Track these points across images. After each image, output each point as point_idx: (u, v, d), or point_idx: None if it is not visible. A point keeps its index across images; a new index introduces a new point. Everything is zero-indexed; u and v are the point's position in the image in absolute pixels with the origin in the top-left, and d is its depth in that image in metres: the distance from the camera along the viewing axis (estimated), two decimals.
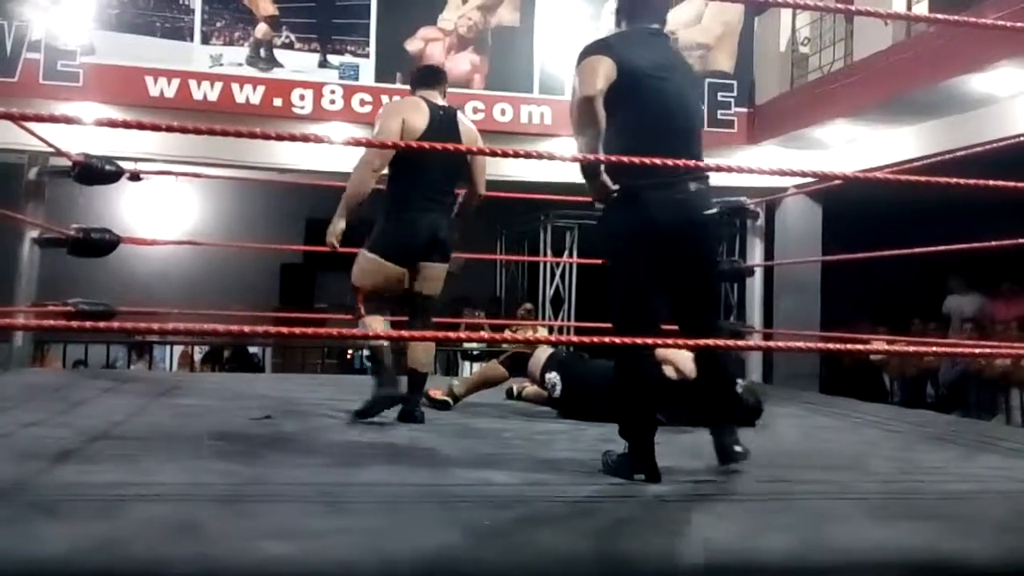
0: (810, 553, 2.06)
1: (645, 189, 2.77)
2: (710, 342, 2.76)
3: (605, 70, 2.75)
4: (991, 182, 2.82)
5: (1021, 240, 4.10)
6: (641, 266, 2.82)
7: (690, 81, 3.01)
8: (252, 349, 10.35)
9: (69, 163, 5.22)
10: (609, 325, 2.90)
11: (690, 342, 2.90)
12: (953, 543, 2.11)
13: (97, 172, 5.22)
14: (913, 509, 2.51)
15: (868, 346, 6.52)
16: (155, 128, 2.23)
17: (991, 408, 7.58)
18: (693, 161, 2.74)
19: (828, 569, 1.97)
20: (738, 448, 2.85)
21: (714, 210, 2.92)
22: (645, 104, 2.79)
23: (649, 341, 2.77)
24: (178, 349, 10.00)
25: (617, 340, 2.93)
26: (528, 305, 10.05)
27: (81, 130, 6.09)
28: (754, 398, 4.04)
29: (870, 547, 2.10)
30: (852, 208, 7.72)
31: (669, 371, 3.88)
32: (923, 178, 2.93)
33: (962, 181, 2.82)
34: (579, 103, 2.76)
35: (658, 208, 2.76)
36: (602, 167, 2.75)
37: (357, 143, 2.87)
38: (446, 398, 4.32)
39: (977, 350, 5.25)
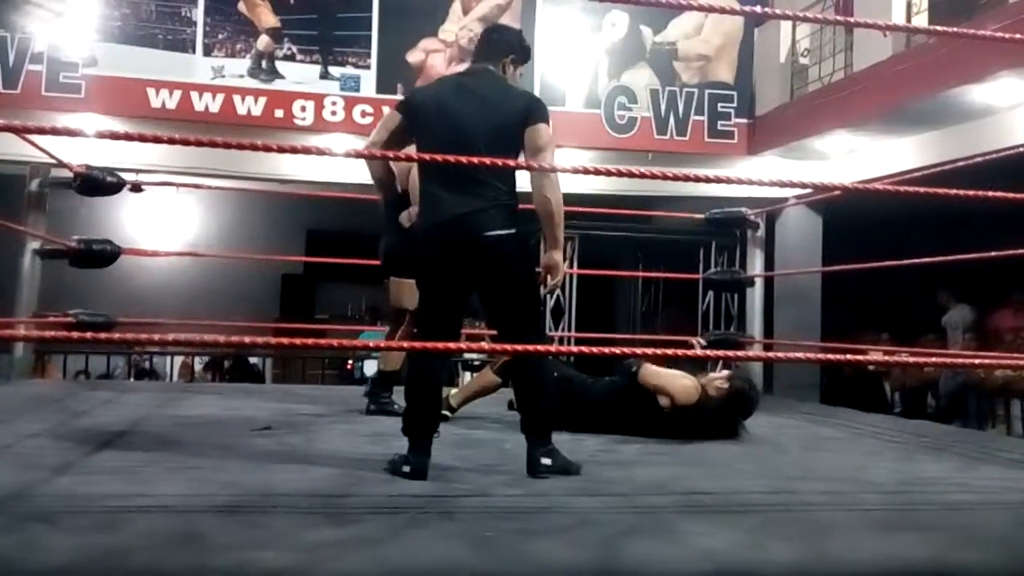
0: (813, 565, 2.06)
1: (422, 213, 3.11)
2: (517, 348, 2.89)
3: (388, 123, 3.15)
4: (991, 193, 2.83)
5: (1020, 251, 4.10)
6: (426, 283, 3.11)
7: (492, 110, 3.03)
8: (252, 359, 10.34)
9: (71, 174, 5.24)
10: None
11: (509, 348, 3.01)
12: (955, 554, 2.11)
13: (98, 183, 5.24)
14: (915, 521, 2.51)
15: (868, 356, 6.52)
16: (156, 140, 2.24)
17: (991, 418, 7.57)
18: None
19: None
20: (545, 461, 2.94)
21: (500, 231, 2.96)
22: (429, 138, 3.02)
23: (499, 347, 3.06)
24: (179, 359, 9.99)
25: (594, 350, 2.96)
26: None
27: (83, 141, 6.11)
28: (753, 391, 4.09)
29: (872, 559, 2.10)
30: (852, 218, 7.72)
31: (664, 401, 3.87)
32: (923, 188, 2.93)
33: (962, 192, 2.83)
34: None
35: (429, 229, 3.04)
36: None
37: (358, 155, 2.88)
38: (444, 411, 4.32)
39: (977, 360, 5.25)
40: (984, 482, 3.18)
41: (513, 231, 2.99)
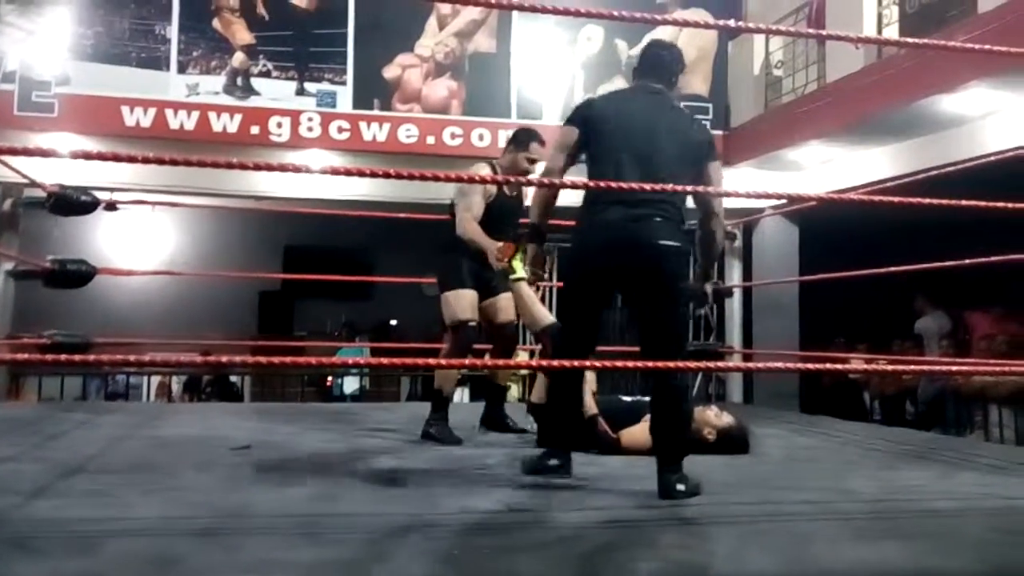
0: (795, 574, 2.06)
1: (591, 214, 3.03)
2: (666, 364, 2.83)
3: (566, 140, 3.13)
4: (963, 202, 2.86)
5: (993, 258, 4.15)
6: (576, 289, 3.07)
7: (677, 133, 3.08)
8: (232, 378, 10.27)
9: (44, 194, 5.19)
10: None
11: (640, 365, 2.99)
12: (937, 561, 2.12)
13: (72, 203, 5.18)
14: (896, 528, 2.52)
15: (847, 365, 6.55)
16: (131, 160, 2.23)
17: (969, 424, 7.62)
18: (651, 185, 2.85)
19: None
20: (680, 487, 2.85)
21: (673, 243, 2.95)
22: (614, 152, 3.01)
23: (598, 364, 3.03)
24: (156, 379, 9.91)
25: (597, 364, 2.98)
26: None
27: (57, 160, 6.05)
28: (746, 441, 3.97)
29: (853, 568, 2.10)
30: (828, 228, 7.78)
31: (709, 434, 3.84)
32: (896, 198, 2.95)
33: (934, 201, 2.85)
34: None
35: (599, 230, 2.98)
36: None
37: (335, 172, 2.87)
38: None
39: (954, 368, 5.29)
40: (963, 488, 3.20)
41: (681, 245, 2.99)
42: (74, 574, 1.88)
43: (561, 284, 3.27)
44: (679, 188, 2.91)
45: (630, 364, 3.22)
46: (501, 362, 4.30)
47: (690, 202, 3.11)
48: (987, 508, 2.86)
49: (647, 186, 2.78)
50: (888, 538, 2.37)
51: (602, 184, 2.86)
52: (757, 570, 2.08)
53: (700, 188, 3.00)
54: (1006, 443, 6.75)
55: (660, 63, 3.20)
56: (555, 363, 3.01)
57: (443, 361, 3.95)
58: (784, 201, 6.61)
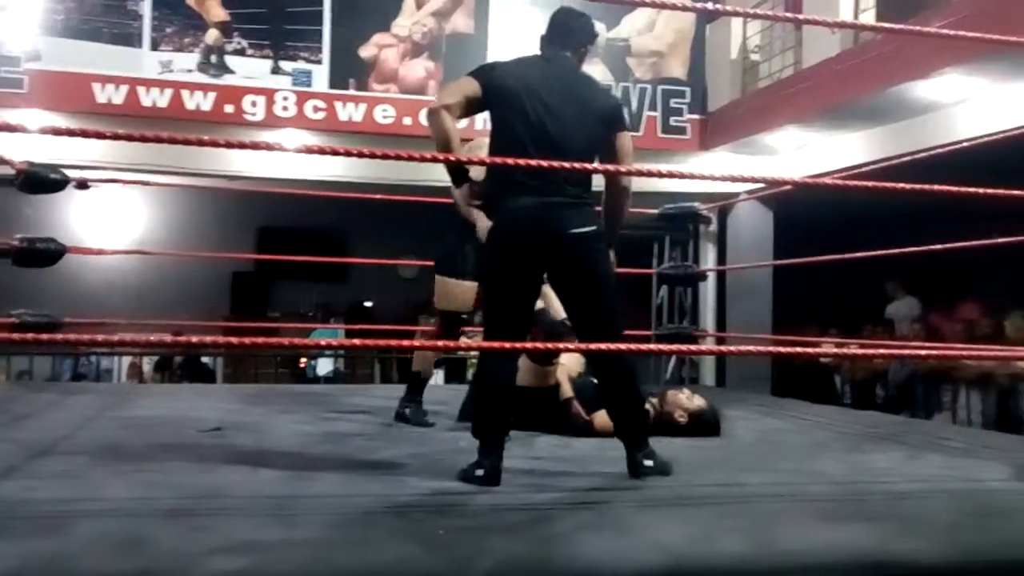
0: (763, 555, 2.08)
1: (503, 198, 2.92)
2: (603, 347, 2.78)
3: (465, 88, 2.96)
4: (936, 187, 2.88)
5: (964, 243, 4.19)
6: (499, 275, 2.96)
7: (583, 103, 2.99)
8: (204, 359, 10.21)
9: (12, 171, 5.10)
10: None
11: (592, 347, 2.91)
12: (903, 543, 2.15)
13: (42, 180, 5.10)
14: (862, 510, 2.55)
15: (819, 349, 6.61)
16: (99, 136, 2.19)
17: (938, 406, 7.73)
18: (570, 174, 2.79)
19: (780, 570, 1.99)
20: (647, 463, 2.88)
21: (588, 228, 2.91)
22: (514, 122, 2.91)
23: (573, 347, 2.88)
24: (127, 360, 9.83)
25: (572, 346, 2.97)
26: None
27: (26, 137, 5.96)
28: (717, 424, 4.00)
29: (822, 548, 2.12)
30: (802, 213, 7.83)
31: (681, 417, 3.87)
32: (870, 183, 2.97)
33: (908, 186, 2.87)
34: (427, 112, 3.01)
35: (513, 222, 2.90)
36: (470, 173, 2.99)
37: (308, 150, 2.83)
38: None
39: (923, 351, 5.35)
40: (929, 471, 3.25)
41: (595, 228, 2.93)
42: (44, 555, 1.86)
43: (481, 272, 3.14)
44: (588, 167, 2.82)
45: (592, 347, 3.19)
46: (470, 343, 4.28)
47: (675, 185, 3.09)
48: (954, 491, 2.90)
49: (556, 165, 2.66)
50: (855, 520, 2.40)
51: (509, 161, 2.70)
52: (725, 550, 2.10)
53: (611, 168, 2.93)
54: (973, 426, 6.86)
55: (568, 31, 3.15)
56: (533, 345, 2.92)
57: (418, 343, 3.94)
58: (760, 186, 6.65)
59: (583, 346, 2.87)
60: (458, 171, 3.02)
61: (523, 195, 2.86)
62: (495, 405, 2.91)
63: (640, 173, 2.98)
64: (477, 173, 3.11)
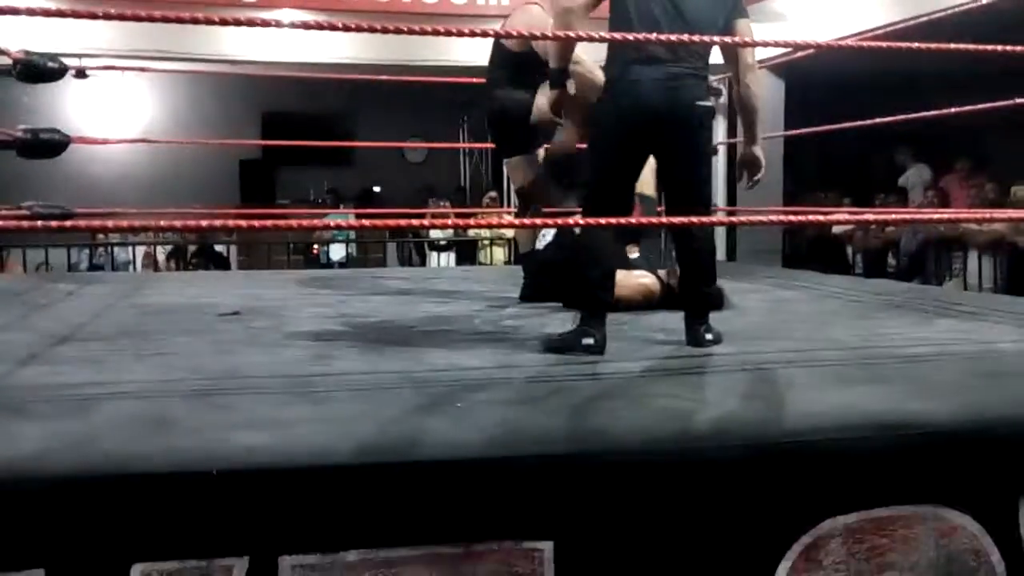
0: (776, 418, 2.12)
1: (624, 72, 2.88)
2: (690, 220, 2.83)
3: None
4: (952, 45, 2.80)
5: (980, 106, 4.10)
6: (614, 148, 2.94)
7: None
8: (218, 247, 10.26)
9: (9, 61, 5.01)
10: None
11: (664, 221, 2.94)
12: (913, 403, 2.18)
13: (40, 69, 5.00)
14: (873, 373, 2.58)
15: (831, 217, 6.57)
16: (92, 16, 2.13)
17: (949, 273, 7.75)
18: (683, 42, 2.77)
19: (792, 431, 2.03)
20: (709, 336, 2.99)
21: (707, 103, 2.94)
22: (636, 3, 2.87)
23: (613, 221, 2.84)
24: (141, 250, 9.88)
25: (571, 221, 2.98)
26: (493, 193, 9.99)
27: (19, 27, 5.84)
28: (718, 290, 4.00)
29: (832, 411, 2.16)
30: (814, 82, 7.67)
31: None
32: (884, 44, 2.89)
33: (923, 46, 2.79)
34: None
35: (635, 91, 2.86)
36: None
37: (306, 26, 2.75)
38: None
39: (936, 216, 5.32)
40: (940, 335, 3.27)
41: (711, 104, 2.96)
42: (69, 436, 1.91)
43: (588, 147, 3.13)
44: (715, 40, 2.84)
45: (644, 221, 3.20)
46: (474, 222, 4.27)
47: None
48: (964, 352, 2.92)
49: (684, 38, 2.71)
50: (867, 383, 2.43)
51: (630, 37, 2.73)
52: (739, 415, 2.14)
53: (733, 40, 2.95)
54: (984, 291, 6.88)
55: None
56: (591, 220, 2.89)
57: (429, 223, 3.93)
58: (771, 54, 6.48)
59: (603, 221, 2.84)
60: (562, 74, 3.02)
61: (653, 64, 2.85)
62: (601, 275, 2.97)
63: (648, 41, 2.89)
64: None
